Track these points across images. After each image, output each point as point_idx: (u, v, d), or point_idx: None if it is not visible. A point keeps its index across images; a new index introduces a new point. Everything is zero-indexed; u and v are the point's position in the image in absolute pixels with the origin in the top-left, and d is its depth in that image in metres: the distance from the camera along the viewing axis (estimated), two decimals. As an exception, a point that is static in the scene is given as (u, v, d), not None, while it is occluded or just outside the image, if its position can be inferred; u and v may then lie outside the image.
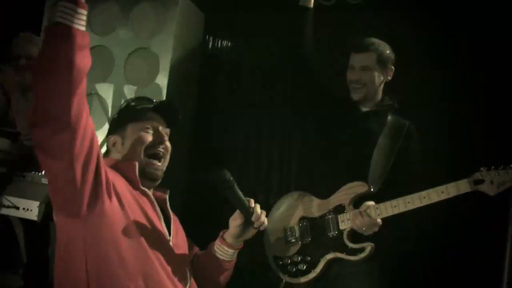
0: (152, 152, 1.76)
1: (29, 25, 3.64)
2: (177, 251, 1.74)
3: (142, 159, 1.73)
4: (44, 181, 2.65)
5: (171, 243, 1.72)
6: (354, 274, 2.26)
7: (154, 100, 1.85)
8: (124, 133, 1.76)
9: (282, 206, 2.44)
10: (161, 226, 1.73)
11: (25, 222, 2.83)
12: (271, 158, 4.02)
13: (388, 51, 2.41)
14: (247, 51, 4.14)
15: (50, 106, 1.34)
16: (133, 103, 1.81)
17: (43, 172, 2.67)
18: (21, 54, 3.06)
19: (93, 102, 4.09)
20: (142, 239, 1.58)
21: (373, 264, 2.25)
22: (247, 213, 1.75)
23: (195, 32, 4.18)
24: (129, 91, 4.01)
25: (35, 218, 2.49)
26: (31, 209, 2.50)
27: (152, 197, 1.75)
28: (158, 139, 1.77)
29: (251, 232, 1.81)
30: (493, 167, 2.05)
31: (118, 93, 4.05)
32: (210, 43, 4.23)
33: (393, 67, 2.43)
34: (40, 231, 2.90)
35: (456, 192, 2.07)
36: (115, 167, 1.69)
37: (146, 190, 1.73)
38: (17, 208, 2.52)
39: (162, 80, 3.91)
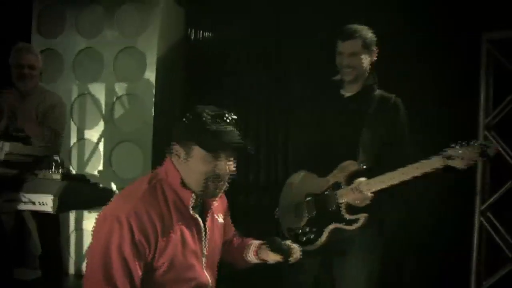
0: (215, 183, 1.74)
1: (17, 35, 3.80)
2: (211, 247, 1.88)
3: (200, 184, 1.72)
4: (55, 177, 2.85)
5: (205, 251, 1.85)
6: (351, 239, 2.50)
7: (225, 125, 1.70)
8: (190, 151, 1.70)
9: (292, 184, 2.67)
10: (200, 243, 1.82)
11: (37, 216, 3.06)
12: (262, 143, 4.19)
13: (370, 35, 2.58)
14: (229, 38, 4.32)
15: None
16: (209, 123, 1.68)
17: (53, 169, 2.92)
18: (22, 63, 3.23)
19: (87, 102, 4.31)
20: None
21: (368, 230, 2.48)
22: (286, 255, 1.99)
23: (178, 27, 4.37)
24: (120, 88, 4.23)
25: (51, 210, 2.72)
26: (46, 203, 2.71)
27: (201, 223, 1.81)
28: (221, 172, 1.71)
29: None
30: (461, 143, 2.16)
31: (109, 91, 4.25)
32: (193, 36, 4.39)
33: (376, 48, 2.60)
34: (52, 223, 3.17)
35: (430, 167, 2.22)
36: (175, 185, 1.73)
37: (196, 217, 1.79)
38: (33, 202, 2.72)
39: (150, 76, 4.12)
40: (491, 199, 3.52)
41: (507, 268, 3.42)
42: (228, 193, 1.93)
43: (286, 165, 4.05)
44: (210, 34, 4.40)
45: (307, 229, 2.54)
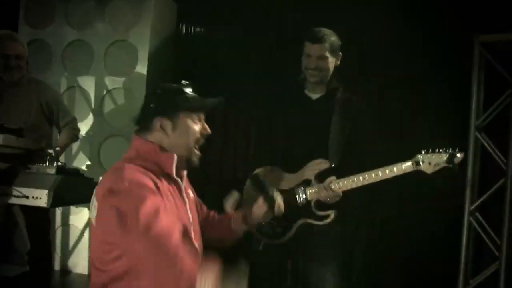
0: (199, 144, 1.89)
1: (4, 25, 3.65)
2: (193, 218, 1.95)
3: (190, 149, 1.85)
4: (49, 171, 2.81)
5: (190, 220, 1.90)
6: (320, 234, 2.57)
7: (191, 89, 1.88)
8: (176, 119, 1.81)
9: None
10: (186, 211, 1.88)
11: (27, 211, 3.00)
12: (248, 137, 4.12)
13: (337, 39, 2.65)
14: (219, 36, 4.32)
15: None
16: (186, 90, 1.84)
17: (47, 163, 2.86)
18: (8, 53, 3.15)
19: (76, 95, 4.25)
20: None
21: (335, 226, 2.57)
22: (271, 201, 2.05)
23: (170, 22, 4.37)
24: (110, 82, 4.18)
25: (45, 205, 2.67)
26: (40, 197, 2.66)
27: (182, 185, 1.89)
28: (204, 132, 1.88)
29: (269, 217, 2.12)
30: (430, 150, 2.37)
31: (99, 85, 4.20)
32: (184, 31, 4.41)
33: (340, 53, 2.68)
34: (42, 218, 3.11)
35: (402, 171, 2.40)
36: (154, 154, 1.79)
37: (178, 180, 1.86)
38: (27, 197, 2.67)
39: (142, 70, 4.09)
40: (480, 200, 3.59)
41: (494, 267, 3.49)
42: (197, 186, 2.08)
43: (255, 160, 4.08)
44: (201, 29, 4.40)
45: (275, 223, 2.58)
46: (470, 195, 3.59)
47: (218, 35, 4.33)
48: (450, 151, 2.34)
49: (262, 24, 4.19)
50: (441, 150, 2.37)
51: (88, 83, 4.22)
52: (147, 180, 1.69)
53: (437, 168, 2.36)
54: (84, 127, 4.21)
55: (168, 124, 1.80)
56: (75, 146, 4.22)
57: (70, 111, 3.58)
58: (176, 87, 1.85)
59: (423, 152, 2.38)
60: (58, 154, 3.21)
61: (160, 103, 1.82)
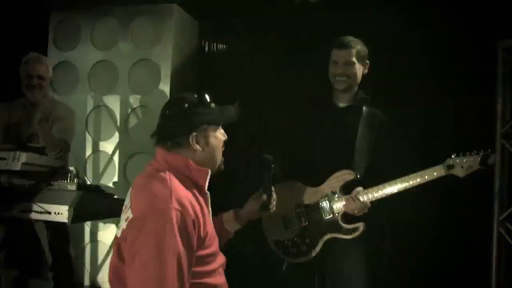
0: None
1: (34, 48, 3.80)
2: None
3: (219, 158, 1.91)
4: (70, 187, 2.90)
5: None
6: (348, 248, 2.54)
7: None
8: (206, 133, 1.85)
9: (278, 195, 2.60)
10: (211, 221, 1.91)
11: (49, 226, 3.14)
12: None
13: (364, 47, 2.67)
14: (242, 51, 4.36)
15: None
16: (213, 105, 1.88)
17: (68, 180, 2.95)
18: (32, 74, 3.29)
19: (102, 114, 4.33)
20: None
21: (364, 239, 2.53)
22: (270, 195, 2.08)
23: (191, 39, 4.41)
24: (135, 100, 4.25)
25: (66, 220, 2.74)
26: (61, 213, 2.73)
27: (208, 195, 1.91)
28: (224, 138, 1.94)
29: (262, 214, 2.15)
30: (461, 153, 2.34)
31: (124, 103, 4.26)
32: (206, 48, 4.44)
33: (368, 61, 2.68)
34: (63, 234, 3.24)
35: (433, 176, 2.35)
36: (186, 169, 1.80)
37: (207, 193, 1.88)
38: (49, 213, 2.75)
39: (165, 87, 4.13)
40: (510, 210, 3.46)
41: (528, 279, 3.35)
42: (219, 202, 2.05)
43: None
44: (224, 45, 4.44)
45: (299, 240, 2.55)
46: (498, 205, 3.45)
47: (240, 50, 4.37)
48: (482, 152, 2.31)
49: (284, 36, 4.21)
50: (473, 153, 2.33)
51: (113, 102, 4.28)
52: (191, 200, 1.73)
53: (469, 171, 2.31)
54: (110, 145, 4.30)
55: (201, 139, 1.84)
56: (102, 164, 4.30)
57: (71, 138, 3.52)
58: (200, 99, 1.85)
59: (453, 155, 2.34)
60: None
61: (191, 119, 1.83)
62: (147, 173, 1.81)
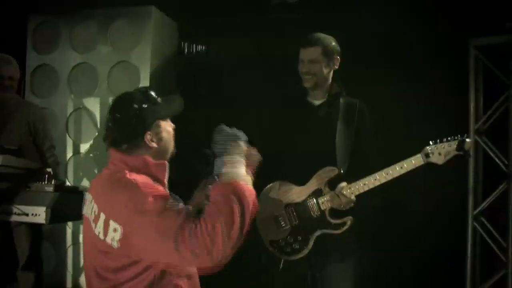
0: None
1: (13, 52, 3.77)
2: None
3: (171, 149, 1.92)
4: (47, 189, 2.91)
5: None
6: (339, 243, 2.55)
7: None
8: (158, 129, 1.86)
9: (268, 197, 2.66)
10: None
11: (28, 228, 3.10)
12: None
13: (333, 43, 2.63)
14: (221, 53, 4.37)
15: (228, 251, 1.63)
16: (159, 100, 1.88)
17: (45, 181, 2.95)
18: (3, 74, 3.32)
19: (82, 116, 4.31)
20: None
21: (352, 232, 2.54)
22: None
23: (170, 41, 4.41)
24: (115, 103, 4.23)
25: (43, 222, 2.75)
26: (39, 214, 2.75)
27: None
28: (172, 127, 1.94)
29: None
30: (438, 140, 2.33)
31: (104, 106, 4.22)
32: (186, 49, 4.45)
33: (338, 57, 2.65)
34: (37, 232, 3.20)
35: (413, 166, 2.35)
36: (144, 166, 1.81)
37: (166, 184, 1.89)
38: (27, 214, 2.76)
39: (144, 90, 4.14)
40: (483, 204, 3.54)
41: (502, 272, 3.42)
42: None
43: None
44: (203, 46, 4.44)
45: (292, 239, 2.57)
46: (473, 200, 3.55)
47: (220, 52, 4.37)
48: (459, 138, 2.29)
49: (262, 37, 4.23)
50: (449, 138, 2.31)
51: (93, 104, 4.27)
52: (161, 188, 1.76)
53: (448, 157, 2.31)
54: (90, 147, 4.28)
55: (155, 136, 1.84)
56: (82, 166, 4.28)
57: (53, 137, 3.58)
58: (146, 96, 1.86)
59: (431, 143, 2.33)
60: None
61: (145, 118, 1.82)
62: (107, 178, 1.81)
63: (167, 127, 1.89)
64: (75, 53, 4.34)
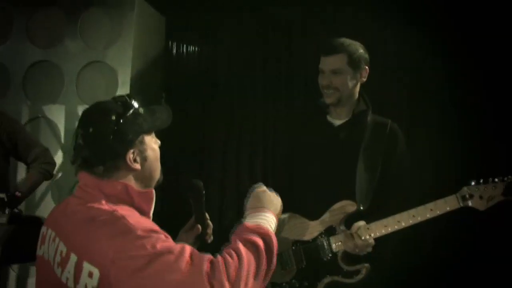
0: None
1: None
2: None
3: (159, 170, 1.74)
4: (0, 220, 2.66)
5: None
6: None
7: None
8: (142, 146, 1.66)
9: (275, 230, 2.45)
10: None
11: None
12: (244, 169, 3.88)
13: (360, 51, 2.38)
14: (217, 55, 4.01)
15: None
16: (142, 113, 1.68)
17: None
18: None
19: (41, 127, 3.90)
20: None
21: (368, 283, 2.31)
22: (205, 224, 1.89)
23: (156, 38, 4.08)
24: (84, 112, 3.71)
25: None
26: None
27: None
28: (158, 144, 1.79)
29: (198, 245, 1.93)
30: (481, 181, 2.11)
31: (71, 115, 3.84)
32: (174, 49, 4.12)
33: (367, 67, 2.40)
34: None
35: (445, 209, 2.14)
36: (127, 195, 1.61)
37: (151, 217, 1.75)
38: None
39: (123, 97, 3.69)
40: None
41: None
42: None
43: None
44: (196, 47, 4.06)
45: (297, 284, 2.39)
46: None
47: (216, 54, 4.02)
48: (507, 179, 2.07)
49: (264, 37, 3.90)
50: (496, 180, 2.08)
51: (56, 114, 3.86)
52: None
53: (491, 203, 2.09)
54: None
55: (138, 155, 1.63)
56: (39, 189, 3.67)
57: (39, 140, 3.33)
58: (126, 106, 1.64)
59: (472, 183, 2.12)
60: (19, 200, 2.95)
61: (126, 133, 1.61)
62: (78, 209, 1.55)
63: (152, 144, 1.69)
64: (33, 47, 3.91)
